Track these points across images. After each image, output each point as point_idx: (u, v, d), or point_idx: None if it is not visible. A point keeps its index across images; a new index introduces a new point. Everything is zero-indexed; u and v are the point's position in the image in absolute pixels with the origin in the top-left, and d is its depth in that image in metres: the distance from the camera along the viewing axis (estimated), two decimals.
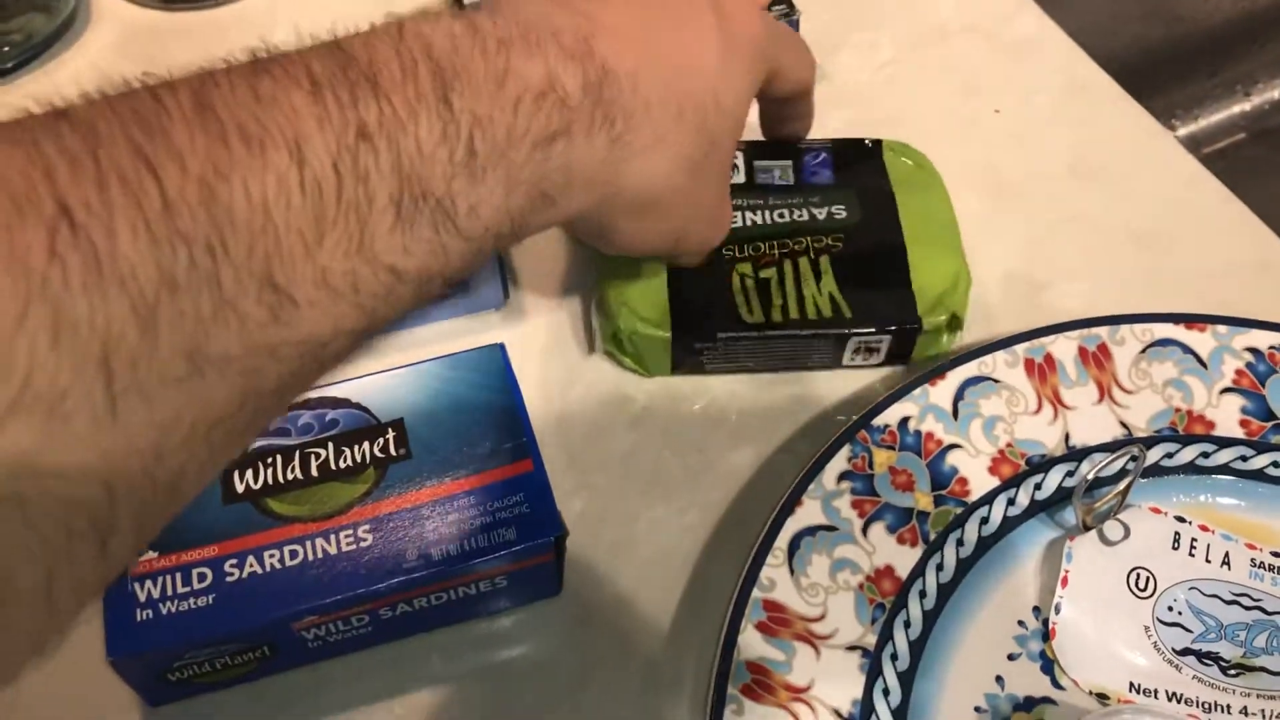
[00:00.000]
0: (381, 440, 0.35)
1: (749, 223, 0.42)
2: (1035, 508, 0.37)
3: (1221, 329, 0.40)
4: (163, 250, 0.18)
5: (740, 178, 0.44)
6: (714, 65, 0.31)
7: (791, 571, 0.34)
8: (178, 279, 0.18)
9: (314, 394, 0.36)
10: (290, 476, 0.34)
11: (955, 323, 0.41)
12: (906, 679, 0.34)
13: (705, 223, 0.36)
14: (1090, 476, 0.35)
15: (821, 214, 0.43)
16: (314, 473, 0.34)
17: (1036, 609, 0.36)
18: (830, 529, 0.35)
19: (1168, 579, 0.36)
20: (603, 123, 0.28)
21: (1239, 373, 0.39)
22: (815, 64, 0.40)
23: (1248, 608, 0.35)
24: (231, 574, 0.32)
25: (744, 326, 0.40)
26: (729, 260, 0.41)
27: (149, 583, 0.32)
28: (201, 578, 0.32)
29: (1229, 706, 0.33)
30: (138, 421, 0.18)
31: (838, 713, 0.32)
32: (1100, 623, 0.35)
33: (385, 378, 0.37)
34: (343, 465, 0.35)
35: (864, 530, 0.36)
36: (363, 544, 0.33)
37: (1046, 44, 0.55)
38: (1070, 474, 0.37)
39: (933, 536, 0.36)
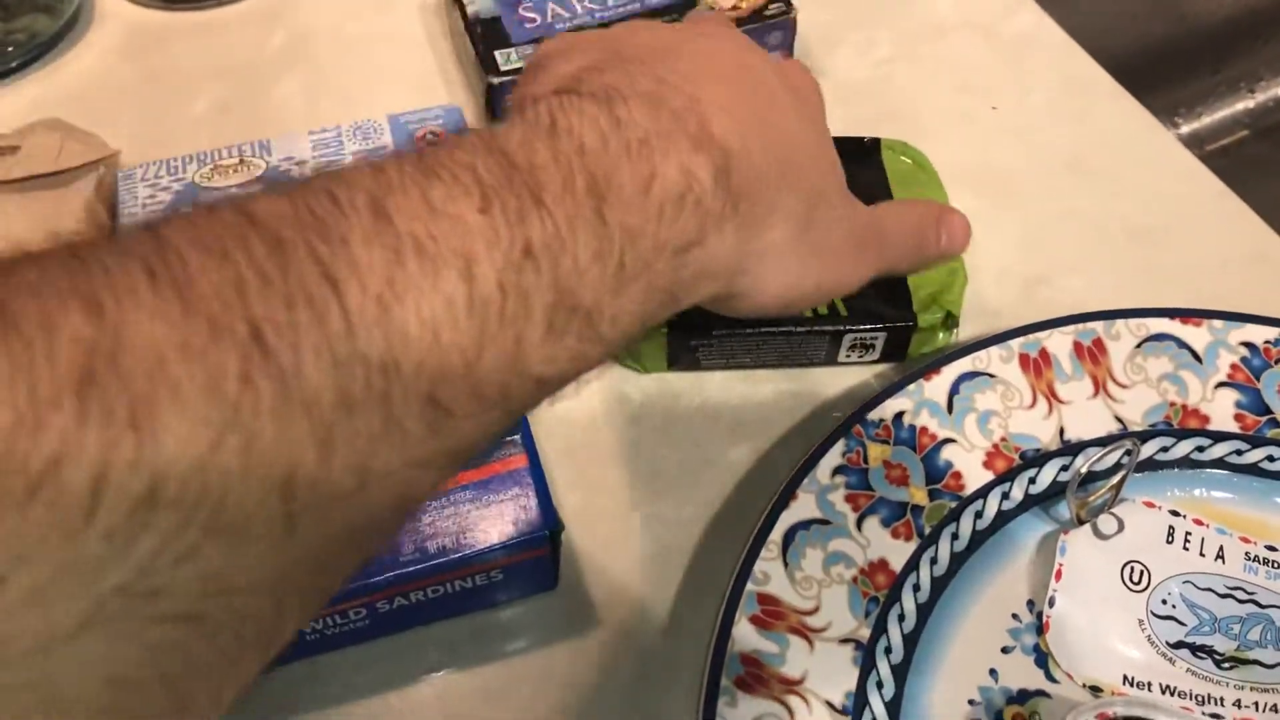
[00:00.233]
0: None
1: None
2: (1029, 502, 0.37)
3: (1217, 324, 0.40)
4: (342, 372, 0.18)
5: None
6: (795, 122, 0.31)
7: (785, 565, 0.35)
8: (354, 399, 0.18)
9: None
10: None
11: (951, 320, 0.41)
12: (900, 672, 0.34)
13: (837, 273, 0.34)
14: (1084, 470, 0.35)
15: None
16: None
17: (1030, 602, 0.36)
18: (824, 523, 0.35)
19: (1162, 572, 0.36)
20: (730, 213, 0.27)
21: (1234, 367, 0.39)
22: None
23: (1242, 601, 0.35)
24: None
25: (740, 324, 0.40)
26: None
27: None
28: None
29: (1222, 699, 0.33)
30: (311, 538, 0.18)
31: (831, 705, 0.32)
32: (1094, 616, 0.35)
33: None
34: None
35: (858, 524, 0.36)
36: None
37: (1043, 41, 0.55)
38: (1065, 468, 0.37)
39: (927, 530, 0.36)
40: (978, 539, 0.36)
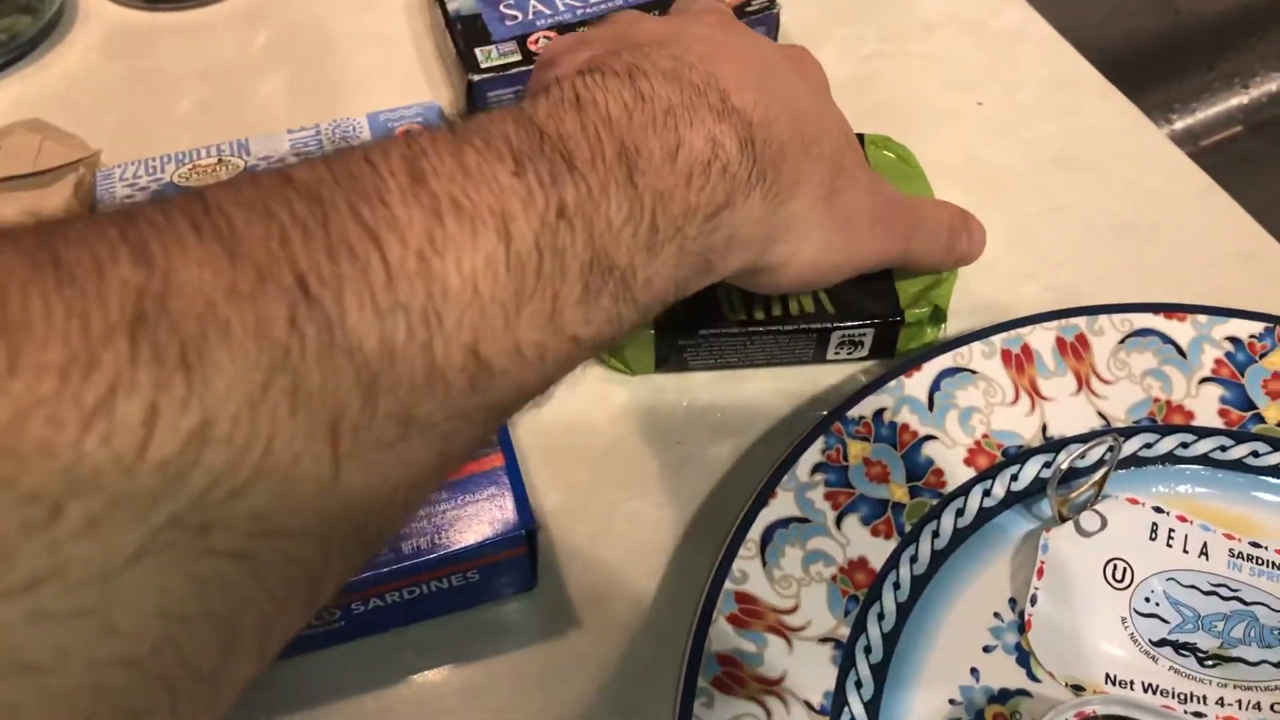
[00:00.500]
0: None
1: None
2: (1011, 499, 0.37)
3: (1201, 319, 0.40)
4: (386, 321, 0.19)
5: None
6: (809, 99, 0.32)
7: (764, 563, 0.34)
8: (397, 348, 0.19)
9: None
10: None
11: (939, 315, 0.41)
12: (880, 671, 0.33)
13: (863, 245, 0.35)
14: (1065, 466, 0.35)
15: None
16: None
17: (1012, 601, 0.35)
18: (803, 521, 0.35)
19: (1145, 570, 0.35)
20: (758, 179, 0.28)
21: (1218, 362, 0.39)
22: None
23: (1226, 598, 0.35)
24: None
25: (726, 323, 0.40)
26: None
27: None
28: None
29: (1205, 697, 0.33)
30: (354, 485, 0.19)
31: (809, 705, 0.32)
32: (1076, 614, 0.35)
33: None
34: None
35: (838, 522, 0.35)
36: None
37: (1031, 36, 0.55)
38: (1047, 465, 0.37)
39: (907, 528, 0.36)
40: (959, 537, 0.36)
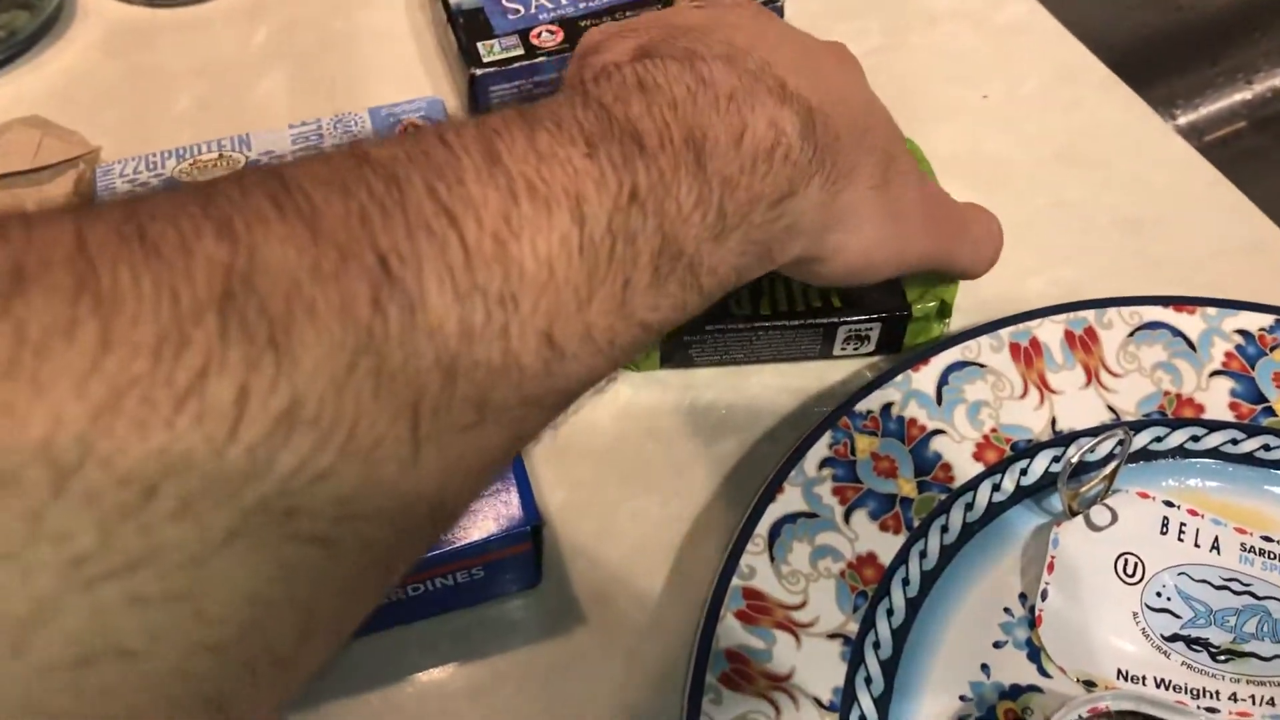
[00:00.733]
0: None
1: None
2: (1021, 494, 0.37)
3: (1211, 311, 0.39)
4: (465, 303, 0.19)
5: None
6: (857, 91, 0.32)
7: (772, 559, 0.34)
8: (475, 331, 0.19)
9: None
10: None
11: (945, 309, 0.40)
12: (889, 667, 0.33)
13: (912, 239, 0.34)
14: (1075, 460, 0.35)
15: None
16: None
17: (1023, 596, 0.35)
18: (811, 516, 0.35)
19: (1156, 564, 0.35)
20: (817, 167, 0.28)
21: (1229, 355, 0.38)
22: None
23: (1237, 593, 0.35)
24: None
25: (732, 318, 0.40)
26: None
27: None
28: None
29: (1218, 693, 0.33)
30: (431, 469, 0.18)
31: (818, 701, 0.32)
32: (1087, 609, 0.34)
33: None
34: None
35: (846, 517, 0.35)
36: None
37: (1035, 29, 0.55)
38: (1057, 459, 0.37)
39: (916, 523, 0.35)
40: (968, 532, 0.36)
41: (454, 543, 0.33)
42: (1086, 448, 0.35)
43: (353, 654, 0.35)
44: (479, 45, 0.48)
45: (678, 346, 0.41)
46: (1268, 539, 0.35)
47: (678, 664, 0.34)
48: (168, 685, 0.15)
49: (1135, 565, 0.35)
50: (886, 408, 0.37)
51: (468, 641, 0.35)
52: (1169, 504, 0.36)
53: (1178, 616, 0.34)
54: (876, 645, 0.33)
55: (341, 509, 0.17)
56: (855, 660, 0.33)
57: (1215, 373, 0.38)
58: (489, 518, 0.33)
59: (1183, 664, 0.33)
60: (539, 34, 0.48)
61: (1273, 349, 0.38)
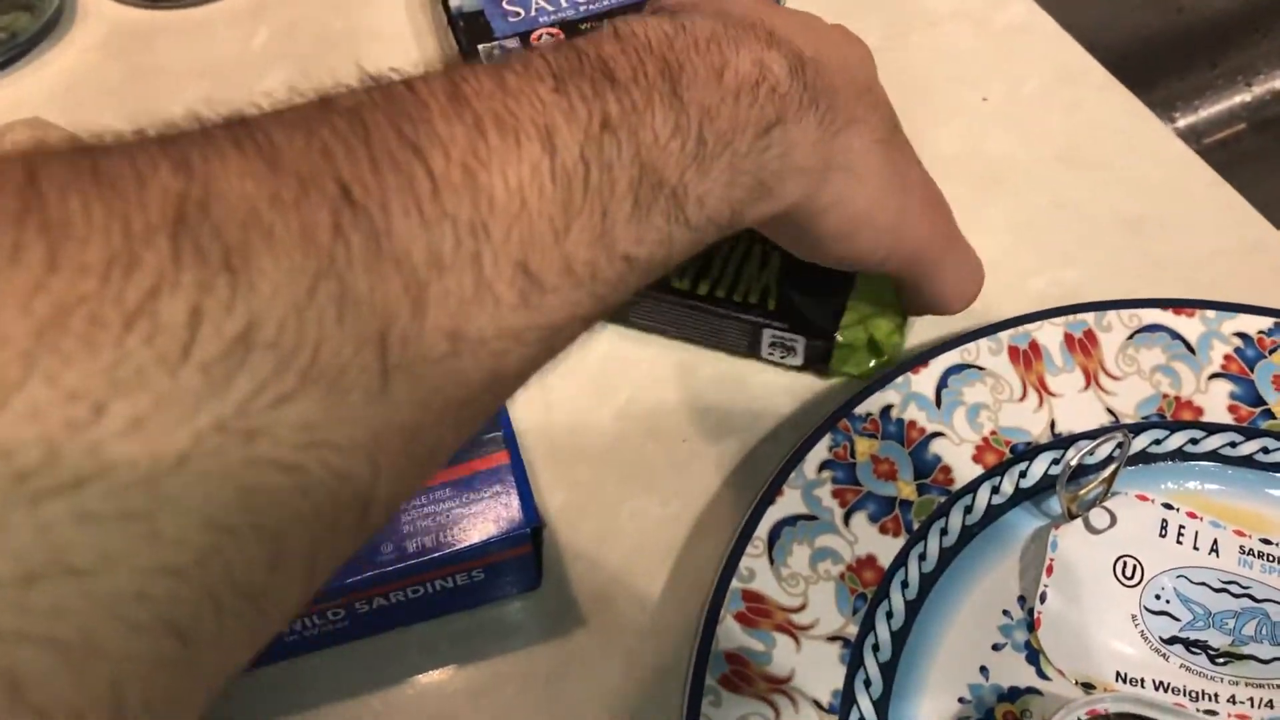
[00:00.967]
0: None
1: None
2: (1020, 496, 0.37)
3: (1210, 314, 0.39)
4: (432, 231, 0.19)
5: None
6: (860, 66, 0.32)
7: (771, 561, 0.34)
8: (445, 259, 0.19)
9: None
10: None
11: (876, 347, 0.39)
12: (889, 670, 0.33)
13: (912, 218, 0.34)
14: (1074, 463, 0.35)
15: None
16: None
17: (1022, 598, 0.35)
18: (811, 518, 0.35)
19: (1155, 567, 0.35)
20: (810, 104, 0.28)
21: (1227, 358, 0.39)
22: None
23: (1236, 595, 0.35)
24: None
25: (667, 290, 0.40)
26: None
27: None
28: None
29: (1217, 695, 0.33)
30: (404, 399, 0.18)
31: (818, 704, 0.32)
32: (1086, 612, 0.34)
33: None
34: None
35: (845, 520, 0.35)
36: None
37: (1035, 31, 0.55)
38: (1056, 462, 0.37)
39: (916, 526, 0.35)
40: (967, 534, 0.36)
41: (454, 545, 0.33)
42: (1085, 450, 0.35)
43: (353, 656, 0.35)
44: (479, 48, 0.48)
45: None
46: (1267, 542, 0.35)
47: (677, 666, 0.34)
48: (124, 607, 0.15)
49: (1134, 568, 0.35)
50: (886, 410, 0.37)
51: (468, 644, 0.35)
52: (1168, 506, 0.36)
53: (1176, 619, 0.34)
54: (876, 647, 0.33)
55: (307, 435, 0.17)
56: (855, 662, 0.33)
57: (1214, 375, 0.38)
58: (489, 520, 0.33)
59: (1181, 666, 0.33)
60: (539, 37, 0.48)
61: (1272, 352, 0.39)
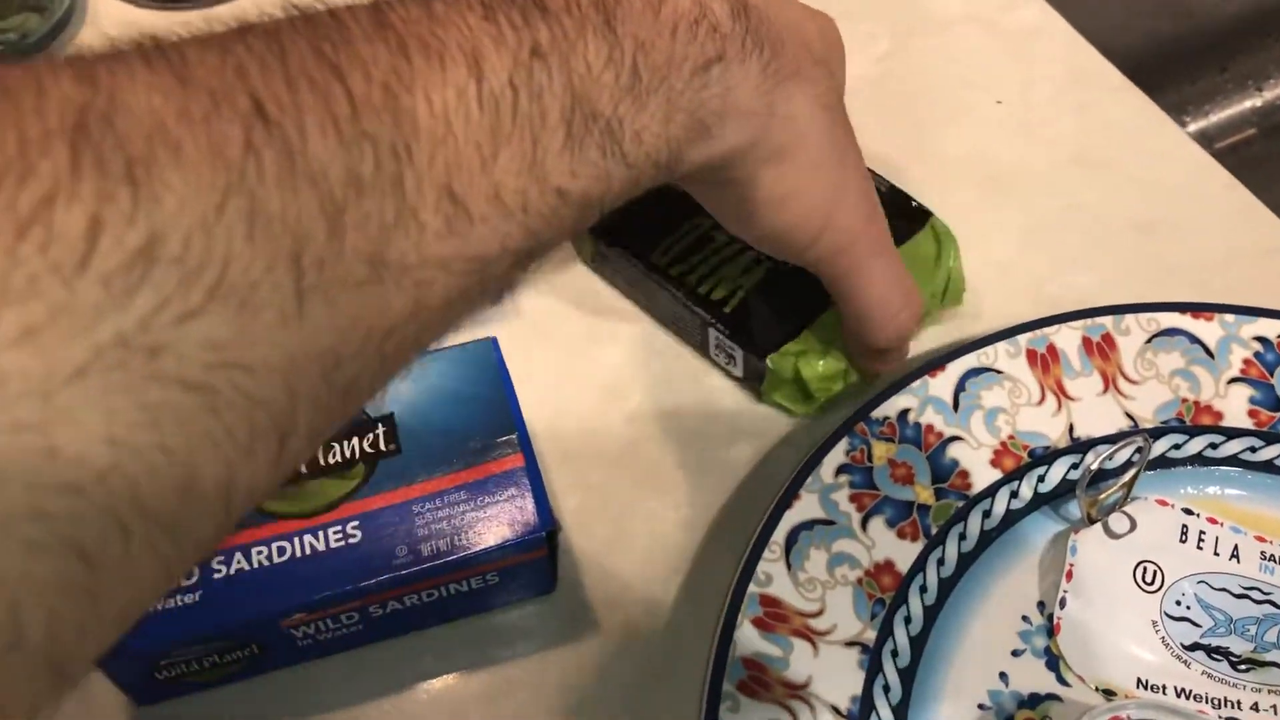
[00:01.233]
0: (371, 436, 0.35)
1: None
2: (1038, 501, 0.36)
3: (1229, 318, 0.39)
4: (351, 151, 0.18)
5: None
6: (818, 31, 0.32)
7: (789, 566, 0.34)
8: (364, 180, 0.18)
9: None
10: None
11: (804, 386, 0.38)
12: (907, 676, 0.33)
13: (853, 206, 0.33)
14: (1094, 468, 0.34)
15: None
16: (302, 468, 0.34)
17: (1041, 604, 0.35)
18: (828, 523, 0.35)
19: (1175, 572, 0.35)
20: (753, 48, 0.28)
21: (1247, 362, 0.38)
22: None
23: (1258, 601, 0.34)
24: (219, 571, 0.32)
25: (641, 258, 0.41)
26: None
27: None
28: (188, 574, 0.32)
29: (1239, 702, 0.32)
30: (321, 323, 0.18)
31: (836, 710, 0.31)
32: (1106, 618, 0.34)
33: None
34: (331, 461, 0.34)
35: (863, 524, 0.35)
36: (352, 541, 0.32)
37: (1048, 33, 0.54)
38: (1074, 466, 0.37)
39: (934, 530, 0.35)
40: (986, 539, 0.35)
41: (469, 548, 0.33)
42: (1105, 455, 0.35)
43: (366, 660, 0.35)
44: None
45: (599, 253, 0.42)
46: None
47: (693, 671, 0.34)
48: (21, 525, 0.15)
49: (1154, 573, 0.35)
50: (903, 414, 0.37)
51: (481, 648, 0.35)
52: (1188, 512, 0.36)
53: (1197, 625, 0.34)
54: (894, 653, 0.33)
55: (215, 354, 0.16)
56: (873, 668, 0.32)
57: (1233, 380, 0.38)
58: (503, 523, 0.33)
59: (1203, 673, 0.33)
60: None
61: None
